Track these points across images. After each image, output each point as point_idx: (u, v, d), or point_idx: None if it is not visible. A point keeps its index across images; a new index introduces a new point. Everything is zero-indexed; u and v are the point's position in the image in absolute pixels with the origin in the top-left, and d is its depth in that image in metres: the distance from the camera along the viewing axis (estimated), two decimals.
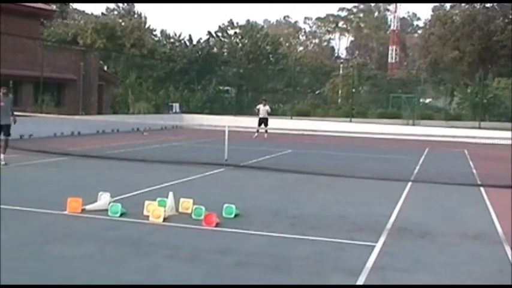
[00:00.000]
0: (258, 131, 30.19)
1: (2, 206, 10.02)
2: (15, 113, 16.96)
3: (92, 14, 71.59)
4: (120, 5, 75.37)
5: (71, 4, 63.94)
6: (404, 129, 35.16)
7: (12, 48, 30.54)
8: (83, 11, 73.78)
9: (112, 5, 76.79)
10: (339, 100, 58.75)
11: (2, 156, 15.83)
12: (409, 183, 15.05)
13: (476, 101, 44.71)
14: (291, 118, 41.42)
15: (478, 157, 23.37)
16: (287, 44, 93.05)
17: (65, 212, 9.75)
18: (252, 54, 60.36)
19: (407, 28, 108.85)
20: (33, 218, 9.49)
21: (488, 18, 55.53)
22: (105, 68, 45.55)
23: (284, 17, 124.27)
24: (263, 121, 30.74)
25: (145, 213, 9.61)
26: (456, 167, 19.95)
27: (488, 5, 56.75)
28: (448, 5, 63.18)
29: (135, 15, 69.79)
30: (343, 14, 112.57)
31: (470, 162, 21.43)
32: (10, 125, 16.35)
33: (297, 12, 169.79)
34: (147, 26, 64.42)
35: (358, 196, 12.91)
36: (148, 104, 40.70)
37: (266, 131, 30.12)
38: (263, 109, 31.13)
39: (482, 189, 14.51)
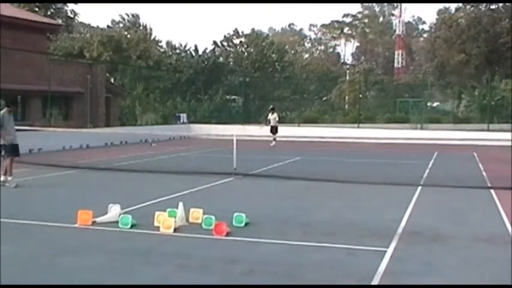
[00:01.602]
0: (274, 139, 30.35)
1: (12, 221, 10.06)
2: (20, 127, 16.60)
3: (98, 26, 71.96)
4: (126, 17, 75.72)
5: (76, 17, 64.19)
6: (413, 134, 35.05)
7: (20, 63, 30.72)
8: (89, 24, 74.17)
9: (117, 17, 77.20)
10: (346, 106, 58.69)
11: (9, 178, 14.74)
12: (419, 188, 14.99)
13: (484, 104, 44.54)
14: (299, 125, 41.37)
15: (488, 159, 23.27)
16: (293, 52, 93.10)
17: (76, 225, 9.77)
18: (258, 63, 60.43)
19: (412, 32, 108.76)
20: (44, 231, 9.51)
21: (493, 20, 55.41)
22: (112, 80, 45.76)
23: (289, 25, 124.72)
24: (272, 129, 30.95)
25: (155, 224, 9.61)
26: (466, 169, 19.88)
27: (493, 6, 56.64)
28: (453, 8, 63.17)
29: (141, 27, 70.07)
30: (348, 20, 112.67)
31: (480, 165, 21.34)
32: (17, 144, 15.40)
33: (302, 20, 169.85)
34: (152, 37, 64.70)
35: (368, 202, 12.87)
36: (156, 115, 40.79)
37: (274, 139, 30.19)
38: (271, 117, 31.39)
39: (492, 191, 14.44)
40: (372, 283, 6.74)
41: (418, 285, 6.30)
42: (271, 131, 30.88)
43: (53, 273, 7.13)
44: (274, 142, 30.28)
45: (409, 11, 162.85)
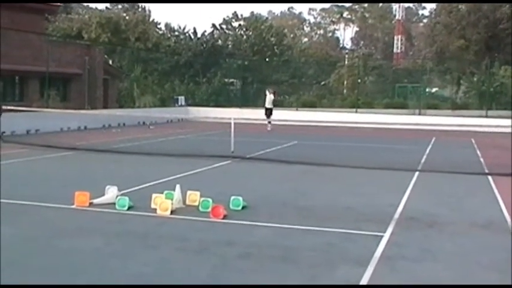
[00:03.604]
0: (269, 122, 30.13)
1: (10, 201, 10.06)
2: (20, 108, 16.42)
3: (96, 8, 71.46)
4: None
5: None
6: (411, 119, 35.01)
7: (18, 43, 30.56)
8: (87, 6, 73.69)
9: None
10: (345, 91, 58.61)
11: None
12: (417, 173, 15.01)
13: (483, 90, 44.52)
14: (297, 109, 41.35)
15: (486, 146, 23.29)
16: (292, 36, 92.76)
17: (73, 206, 9.77)
18: (257, 46, 60.21)
19: (412, 17, 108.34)
20: (41, 213, 9.51)
21: (493, 6, 55.17)
22: (110, 62, 45.54)
23: (288, 9, 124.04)
24: (267, 111, 30.61)
25: (152, 206, 9.62)
26: (463, 156, 19.90)
27: None
28: None
29: (139, 9, 69.66)
30: (348, 4, 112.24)
31: (478, 151, 21.37)
32: None
33: (301, 4, 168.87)
34: (151, 19, 64.34)
35: (365, 186, 12.88)
36: (154, 98, 40.70)
37: (269, 122, 29.93)
38: (268, 98, 30.92)
39: (490, 177, 14.47)
40: (369, 267, 6.75)
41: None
42: (266, 114, 30.48)
43: (52, 256, 7.12)
44: (270, 126, 30.03)
45: None
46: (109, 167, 15.57)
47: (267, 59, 58.44)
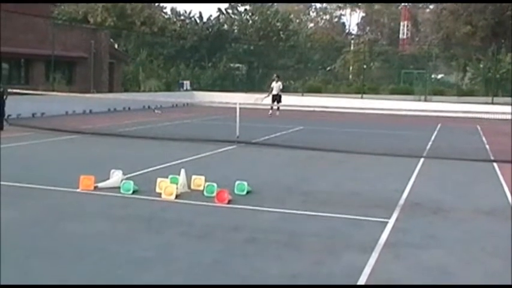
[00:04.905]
0: (272, 108, 30.02)
1: (15, 184, 10.09)
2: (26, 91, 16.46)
3: None
4: None
5: None
6: (416, 105, 34.86)
7: (23, 27, 30.50)
8: None
9: None
10: (350, 76, 58.42)
11: None
12: (422, 159, 14.98)
13: (489, 76, 44.31)
14: (302, 95, 41.24)
15: (491, 133, 23.22)
16: (298, 21, 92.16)
17: (78, 190, 9.78)
18: (263, 31, 59.94)
19: (418, 3, 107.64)
20: (46, 196, 9.52)
21: None
22: (116, 46, 45.44)
23: None
24: (276, 98, 30.48)
25: (157, 190, 9.62)
26: (469, 142, 19.84)
27: None
28: None
29: None
30: None
31: (483, 138, 21.31)
32: None
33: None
34: (157, 3, 64.12)
35: (370, 172, 12.87)
36: (159, 82, 40.66)
37: (278, 108, 29.93)
38: (276, 86, 30.88)
39: (495, 164, 14.43)
40: (373, 254, 6.74)
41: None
42: (274, 100, 30.42)
43: (56, 239, 7.14)
44: (278, 112, 30.05)
45: None
46: (114, 151, 15.58)
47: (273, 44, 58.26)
